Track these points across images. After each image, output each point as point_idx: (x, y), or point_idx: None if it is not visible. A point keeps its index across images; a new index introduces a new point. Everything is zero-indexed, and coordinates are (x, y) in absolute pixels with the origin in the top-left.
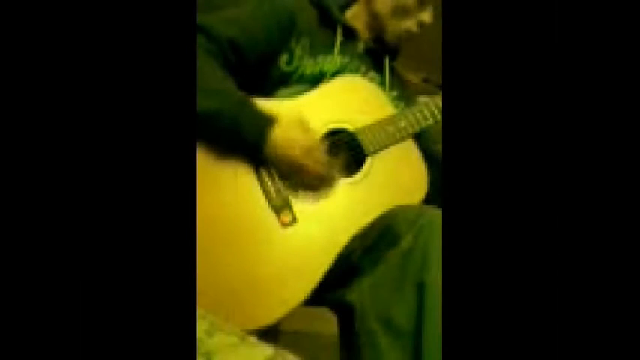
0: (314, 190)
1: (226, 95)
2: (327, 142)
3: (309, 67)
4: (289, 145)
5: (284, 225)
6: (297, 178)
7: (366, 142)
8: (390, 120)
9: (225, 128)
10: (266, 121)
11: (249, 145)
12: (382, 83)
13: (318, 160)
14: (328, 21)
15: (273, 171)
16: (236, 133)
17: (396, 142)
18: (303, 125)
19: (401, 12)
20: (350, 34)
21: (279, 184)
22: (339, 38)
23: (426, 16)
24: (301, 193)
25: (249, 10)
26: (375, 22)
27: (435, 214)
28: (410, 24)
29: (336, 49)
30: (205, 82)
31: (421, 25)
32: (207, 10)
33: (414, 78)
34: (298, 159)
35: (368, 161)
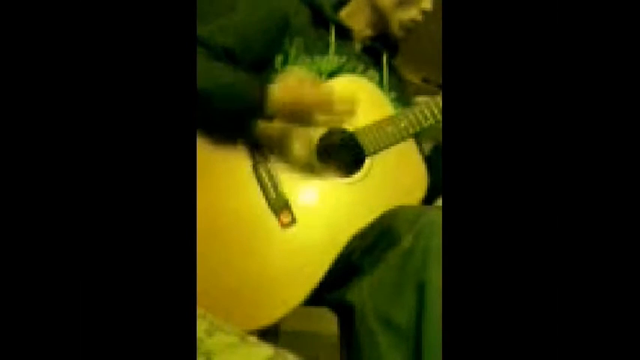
0: (309, 168)
1: (222, 71)
2: (326, 143)
3: (305, 66)
4: (296, 84)
5: (284, 225)
6: (303, 121)
7: (366, 142)
8: (390, 120)
9: (225, 97)
10: (266, 78)
11: (255, 99)
12: (381, 82)
13: (326, 93)
14: (321, 21)
15: (271, 171)
16: (237, 96)
17: (396, 142)
18: (306, 74)
19: (403, 1)
20: (344, 33)
21: (278, 184)
22: (333, 38)
23: (427, 3)
24: (300, 193)
25: (245, 15)
26: (379, 17)
27: (435, 214)
28: (414, 12)
29: (331, 50)
30: (203, 71)
31: (424, 12)
32: (203, 16)
33: (413, 78)
34: (307, 96)
35: (368, 161)
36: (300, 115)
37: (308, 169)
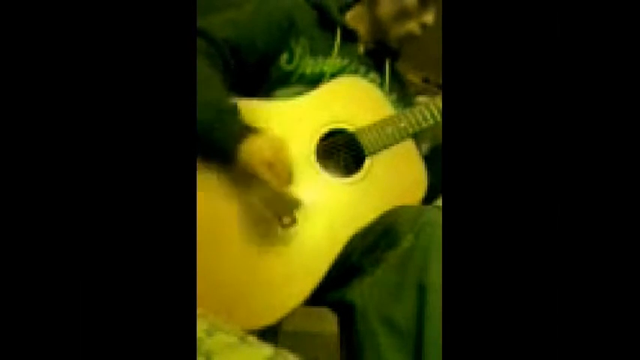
0: (276, 207)
1: (209, 105)
2: (325, 143)
3: (309, 66)
4: (253, 157)
5: (284, 225)
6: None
7: (366, 142)
8: (390, 120)
9: (203, 135)
10: (238, 134)
11: (222, 154)
12: (382, 84)
13: (279, 175)
14: (327, 22)
15: None
16: (211, 141)
17: (396, 142)
18: (271, 140)
19: (403, 15)
20: (349, 35)
21: None
22: (338, 40)
23: (429, 18)
24: (302, 192)
25: (248, 11)
26: (378, 26)
27: (435, 214)
28: (412, 26)
29: (335, 51)
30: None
31: (424, 26)
32: (207, 12)
33: (414, 78)
34: (260, 170)
35: (367, 161)
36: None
37: (308, 169)
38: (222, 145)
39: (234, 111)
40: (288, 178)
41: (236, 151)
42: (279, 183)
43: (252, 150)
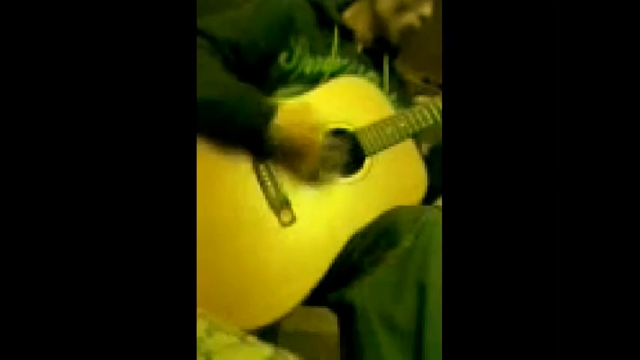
0: (313, 178)
1: (228, 85)
2: (326, 143)
3: (308, 66)
4: (292, 126)
5: (284, 224)
6: (297, 163)
7: (366, 142)
8: (390, 120)
9: (227, 116)
10: (268, 107)
11: (252, 128)
12: (381, 83)
13: (320, 142)
14: (326, 21)
15: (272, 169)
16: (237, 119)
17: (395, 142)
18: (306, 108)
19: (401, 7)
20: (347, 34)
21: (278, 183)
22: (337, 39)
23: (427, 9)
24: (300, 192)
25: (249, 11)
26: (378, 21)
27: (435, 214)
28: (411, 18)
29: (334, 51)
30: (207, 75)
31: (422, 18)
32: (207, 12)
33: (413, 78)
34: (301, 139)
35: (367, 161)
36: (291, 156)
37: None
38: (250, 124)
39: (256, 91)
40: (329, 144)
41: (269, 124)
42: (314, 150)
43: (288, 120)
